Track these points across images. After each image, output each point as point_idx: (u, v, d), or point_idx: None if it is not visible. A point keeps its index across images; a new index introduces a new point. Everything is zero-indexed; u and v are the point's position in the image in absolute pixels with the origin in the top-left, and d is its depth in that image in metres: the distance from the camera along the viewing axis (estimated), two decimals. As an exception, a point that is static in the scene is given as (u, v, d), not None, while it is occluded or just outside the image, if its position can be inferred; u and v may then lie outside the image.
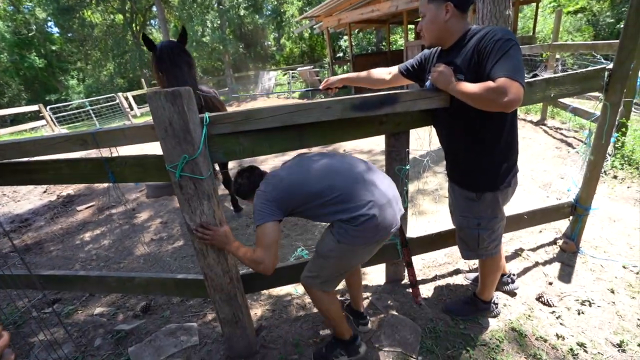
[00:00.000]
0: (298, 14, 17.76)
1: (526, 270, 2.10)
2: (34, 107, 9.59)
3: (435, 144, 1.93)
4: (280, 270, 1.81)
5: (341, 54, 17.98)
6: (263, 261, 1.31)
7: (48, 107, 9.90)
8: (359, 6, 9.99)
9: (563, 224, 2.42)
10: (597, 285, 1.94)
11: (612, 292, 1.88)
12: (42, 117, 9.40)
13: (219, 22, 17.55)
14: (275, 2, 19.33)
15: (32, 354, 1.91)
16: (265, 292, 2.21)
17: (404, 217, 1.88)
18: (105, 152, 1.51)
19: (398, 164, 1.70)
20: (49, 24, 21.83)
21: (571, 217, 2.17)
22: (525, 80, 1.54)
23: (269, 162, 4.98)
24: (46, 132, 9.83)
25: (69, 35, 21.53)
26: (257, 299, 2.18)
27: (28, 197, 5.10)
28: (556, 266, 2.10)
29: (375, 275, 2.25)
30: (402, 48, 10.51)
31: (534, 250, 2.28)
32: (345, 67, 14.14)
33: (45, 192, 5.20)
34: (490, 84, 1.18)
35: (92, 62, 22.91)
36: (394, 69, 1.74)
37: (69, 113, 11.03)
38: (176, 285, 1.82)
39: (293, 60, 21.35)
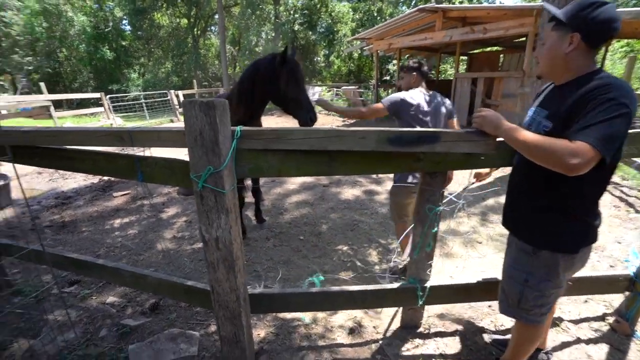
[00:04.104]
0: (350, 34, 18.15)
1: (565, 345, 1.83)
2: (97, 95, 10.49)
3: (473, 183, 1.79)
4: (290, 296, 1.73)
5: (388, 78, 17.99)
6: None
7: (108, 96, 10.78)
8: (411, 33, 9.99)
9: (615, 297, 2.11)
10: (652, 380, 1.64)
11: (672, 393, 1.57)
12: (102, 105, 10.24)
13: (273, 34, 18.39)
14: (330, 21, 19.93)
15: (44, 331, 1.97)
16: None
17: (428, 258, 1.73)
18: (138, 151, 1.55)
19: (430, 204, 1.58)
20: (124, 22, 24.11)
21: (627, 293, 1.88)
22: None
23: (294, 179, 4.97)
24: (103, 119, 10.68)
25: (138, 33, 23.63)
26: (262, 317, 2.10)
27: (75, 177, 5.48)
28: (603, 348, 1.81)
29: (390, 318, 2.09)
30: (452, 78, 10.27)
31: (576, 322, 2.00)
32: (389, 91, 14.10)
33: (90, 173, 5.56)
34: (565, 141, 1.02)
35: (154, 59, 24.89)
36: None
37: (125, 103, 11.94)
38: (185, 292, 1.80)
39: (339, 78, 21.72)
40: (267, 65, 2.47)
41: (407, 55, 12.91)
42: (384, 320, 2.07)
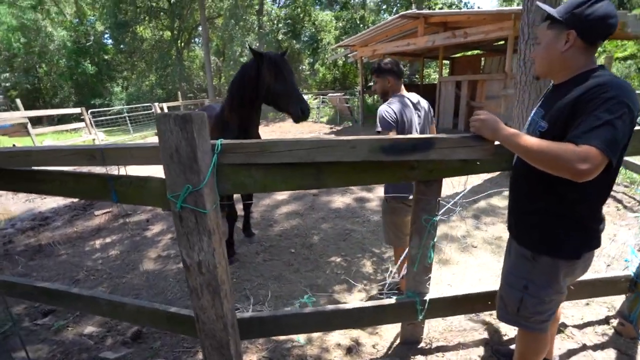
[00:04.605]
0: (334, 42, 18.28)
1: (571, 353, 1.76)
2: (78, 110, 10.17)
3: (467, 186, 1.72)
4: (282, 319, 1.61)
5: (372, 84, 18.14)
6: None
7: (90, 111, 10.48)
8: (395, 39, 10.11)
9: (616, 297, 2.07)
10: (662, 386, 1.58)
11: (684, 398, 1.51)
12: (83, 120, 9.92)
13: (257, 44, 18.38)
14: (313, 30, 20.06)
15: (11, 372, 1.79)
16: (264, 335, 2.00)
17: (427, 271, 1.64)
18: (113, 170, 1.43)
19: (426, 214, 1.50)
20: (105, 35, 23.79)
21: (629, 294, 1.84)
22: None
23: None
24: (85, 134, 10.36)
25: (120, 46, 23.34)
26: (254, 341, 1.97)
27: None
28: (610, 354, 1.74)
29: (389, 334, 1.99)
30: (435, 82, 10.40)
31: (579, 327, 1.94)
32: (375, 97, 14.19)
33: (70, 192, 5.32)
34: (570, 145, 0.97)
35: (137, 73, 24.57)
36: None
37: (108, 118, 11.65)
38: (167, 320, 1.66)
39: (325, 86, 21.78)
40: (251, 66, 2.47)
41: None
42: (383, 337, 1.97)
